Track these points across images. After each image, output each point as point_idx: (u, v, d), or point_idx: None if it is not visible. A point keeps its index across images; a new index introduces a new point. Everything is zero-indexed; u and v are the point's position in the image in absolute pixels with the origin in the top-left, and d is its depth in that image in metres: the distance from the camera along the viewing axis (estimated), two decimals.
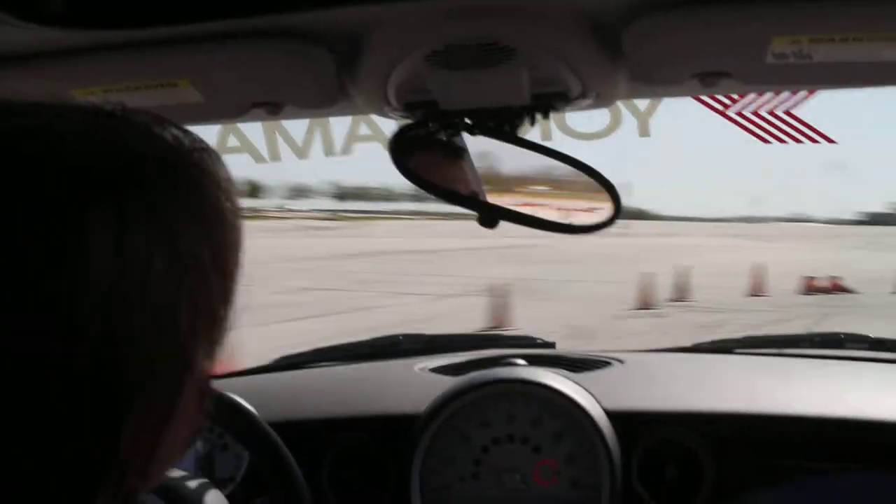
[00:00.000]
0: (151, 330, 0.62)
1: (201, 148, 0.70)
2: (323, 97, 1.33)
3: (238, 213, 0.71)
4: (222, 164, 0.71)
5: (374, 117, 1.58)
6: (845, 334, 2.40)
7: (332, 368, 2.40)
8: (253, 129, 2.54)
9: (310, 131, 2.57)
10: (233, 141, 2.46)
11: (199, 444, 1.95)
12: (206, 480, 1.39)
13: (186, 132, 0.71)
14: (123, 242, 0.60)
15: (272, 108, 1.36)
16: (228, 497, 1.60)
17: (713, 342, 2.48)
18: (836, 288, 20.02)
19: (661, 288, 17.52)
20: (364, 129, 2.51)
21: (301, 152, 2.57)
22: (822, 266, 24.06)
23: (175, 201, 0.65)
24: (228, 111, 1.43)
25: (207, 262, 0.67)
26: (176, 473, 1.36)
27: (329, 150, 2.58)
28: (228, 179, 0.71)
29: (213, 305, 0.68)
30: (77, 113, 0.67)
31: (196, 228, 0.66)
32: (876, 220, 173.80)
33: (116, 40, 1.15)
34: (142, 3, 1.07)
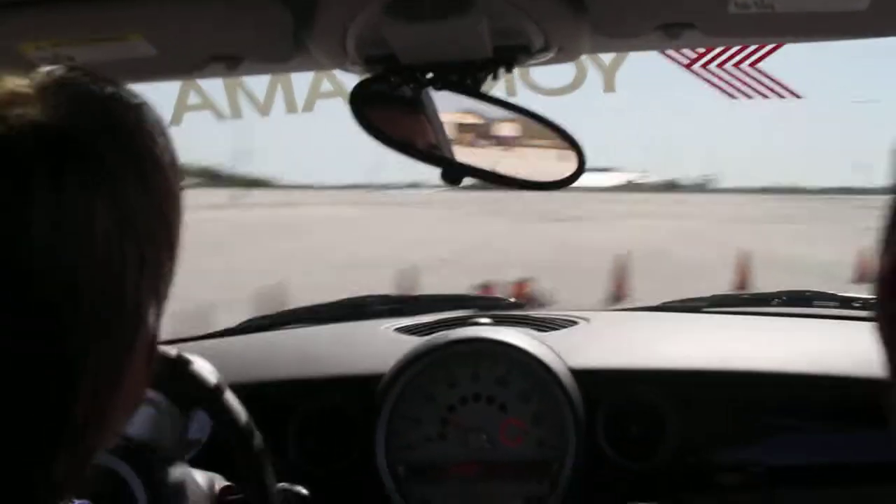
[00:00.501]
0: (98, 286, 0.62)
1: (138, 104, 0.70)
2: (280, 51, 1.30)
3: (176, 166, 0.71)
4: (159, 120, 0.71)
5: (338, 73, 1.55)
6: (812, 292, 2.40)
7: (299, 330, 2.39)
8: (214, 87, 2.50)
9: (271, 87, 2.54)
10: (194, 98, 2.43)
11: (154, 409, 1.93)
12: (170, 450, 1.38)
13: (124, 89, 0.70)
14: (64, 201, 0.60)
15: (229, 62, 1.33)
16: (196, 458, 1.59)
17: (682, 301, 2.48)
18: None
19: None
20: (326, 86, 2.49)
21: (263, 108, 2.55)
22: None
23: (115, 159, 0.65)
24: (183, 66, 1.40)
25: (150, 216, 0.67)
26: (141, 436, 1.36)
27: (291, 107, 2.56)
28: (165, 134, 0.71)
29: (158, 259, 0.68)
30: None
31: (137, 184, 0.66)
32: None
33: None
34: None
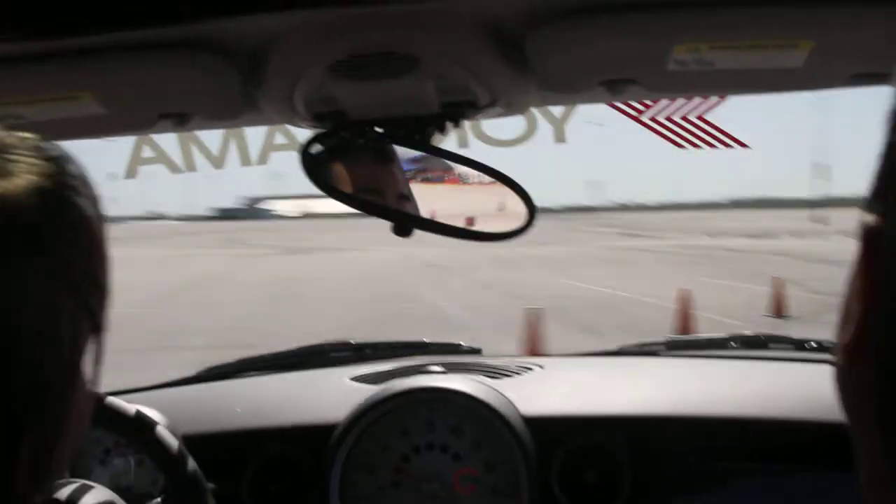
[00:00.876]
0: (38, 345, 0.65)
1: (72, 168, 0.73)
2: (229, 108, 1.32)
3: (105, 227, 0.74)
4: (90, 181, 0.74)
5: (290, 126, 1.56)
6: (766, 335, 2.43)
7: (256, 379, 2.38)
8: (168, 141, 2.51)
9: (225, 141, 2.55)
10: (147, 152, 2.43)
11: (116, 460, 1.92)
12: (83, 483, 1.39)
13: (61, 152, 0.73)
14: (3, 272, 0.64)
15: (178, 119, 1.34)
16: None
17: (638, 345, 2.49)
18: None
19: None
20: (280, 139, 2.50)
21: (217, 162, 2.55)
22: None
23: (51, 226, 0.68)
24: (134, 123, 1.41)
25: (82, 275, 0.70)
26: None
27: (245, 160, 2.56)
28: (96, 196, 0.74)
29: (91, 313, 0.72)
30: None
31: (71, 247, 0.69)
32: (227, 215, 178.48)
33: (13, 52, 1.13)
34: (38, 14, 1.05)
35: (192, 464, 1.49)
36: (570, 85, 1.29)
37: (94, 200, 0.73)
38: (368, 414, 1.91)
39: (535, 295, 15.33)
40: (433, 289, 19.63)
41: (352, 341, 2.54)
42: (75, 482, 1.41)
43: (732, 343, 2.42)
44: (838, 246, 33.59)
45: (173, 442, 1.51)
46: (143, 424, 1.50)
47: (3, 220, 0.65)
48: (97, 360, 0.73)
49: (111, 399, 1.52)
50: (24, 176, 0.67)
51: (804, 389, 2.03)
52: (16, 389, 0.64)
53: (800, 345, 2.31)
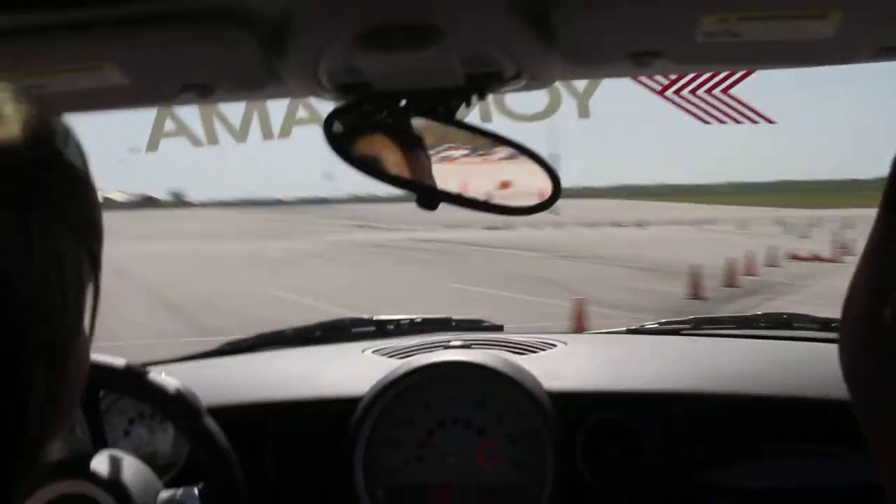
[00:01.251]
0: (46, 288, 0.67)
1: (69, 135, 0.74)
2: (252, 80, 1.31)
3: (95, 190, 0.75)
4: (71, 128, 0.75)
5: (313, 100, 1.56)
6: (790, 314, 2.42)
7: (277, 352, 2.39)
8: (190, 113, 2.51)
9: (247, 114, 2.54)
10: (169, 125, 2.43)
11: (139, 430, 1.94)
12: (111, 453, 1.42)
13: (57, 120, 0.74)
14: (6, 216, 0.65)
15: (202, 90, 1.34)
16: (171, 481, 1.59)
17: (660, 323, 2.48)
18: None
19: None
20: (302, 112, 2.48)
21: (239, 135, 2.55)
22: None
23: (48, 172, 0.69)
24: (157, 95, 1.41)
25: (82, 219, 0.72)
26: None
27: (267, 134, 2.56)
28: (79, 142, 0.75)
29: (92, 256, 0.74)
30: None
31: (68, 191, 0.71)
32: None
33: (36, 22, 1.13)
34: None
35: (222, 438, 1.51)
36: (595, 57, 1.28)
37: (78, 146, 0.74)
38: (392, 388, 1.91)
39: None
40: None
41: (373, 317, 2.54)
42: (106, 451, 1.42)
43: (756, 322, 2.41)
44: (574, 235, 35.51)
45: (202, 412, 1.52)
46: (174, 395, 1.52)
47: (2, 166, 0.66)
48: (95, 306, 0.75)
49: (150, 371, 1.54)
50: (14, 123, 0.68)
51: (827, 369, 2.02)
52: (26, 333, 0.65)
53: (825, 325, 2.30)
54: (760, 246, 22.36)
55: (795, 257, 22.58)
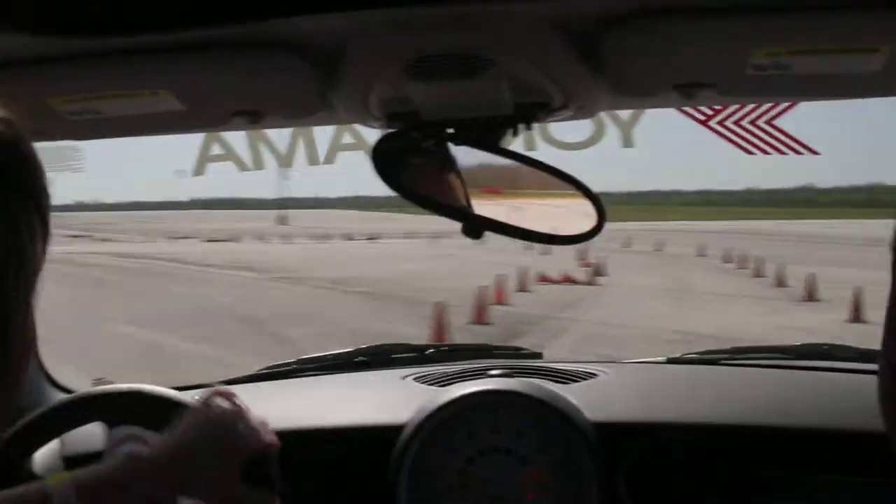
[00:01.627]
0: (13, 265, 0.82)
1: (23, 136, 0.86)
2: (303, 107, 1.33)
3: (46, 177, 0.88)
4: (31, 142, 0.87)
5: (358, 126, 1.57)
6: (830, 345, 2.39)
7: (316, 378, 2.39)
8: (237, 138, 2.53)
9: (293, 140, 2.56)
10: (216, 149, 2.45)
11: None
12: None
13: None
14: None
15: (252, 117, 1.36)
16: None
17: (700, 353, 2.47)
18: None
19: None
20: (347, 138, 2.50)
21: (284, 161, 2.57)
22: None
23: (12, 182, 0.83)
24: (209, 120, 1.43)
25: (40, 207, 0.86)
26: None
27: (313, 159, 2.58)
28: (33, 150, 0.87)
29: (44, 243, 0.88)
30: None
31: (38, 180, 0.86)
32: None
33: (95, 48, 1.15)
34: (121, 11, 1.07)
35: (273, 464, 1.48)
36: (643, 88, 1.28)
37: (38, 159, 0.87)
38: (436, 416, 1.90)
39: None
40: None
41: (413, 343, 2.54)
42: None
43: (796, 352, 2.39)
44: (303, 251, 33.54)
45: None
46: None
47: None
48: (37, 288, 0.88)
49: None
50: None
51: (869, 399, 1.99)
52: (8, 292, 0.81)
53: (865, 355, 2.28)
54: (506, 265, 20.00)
55: (545, 279, 20.64)
